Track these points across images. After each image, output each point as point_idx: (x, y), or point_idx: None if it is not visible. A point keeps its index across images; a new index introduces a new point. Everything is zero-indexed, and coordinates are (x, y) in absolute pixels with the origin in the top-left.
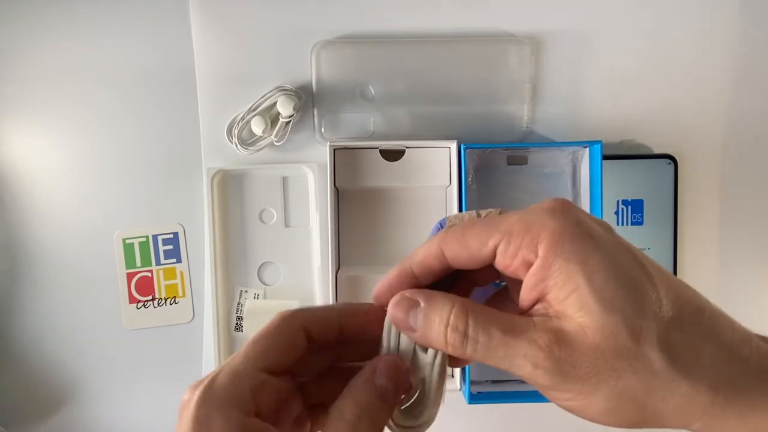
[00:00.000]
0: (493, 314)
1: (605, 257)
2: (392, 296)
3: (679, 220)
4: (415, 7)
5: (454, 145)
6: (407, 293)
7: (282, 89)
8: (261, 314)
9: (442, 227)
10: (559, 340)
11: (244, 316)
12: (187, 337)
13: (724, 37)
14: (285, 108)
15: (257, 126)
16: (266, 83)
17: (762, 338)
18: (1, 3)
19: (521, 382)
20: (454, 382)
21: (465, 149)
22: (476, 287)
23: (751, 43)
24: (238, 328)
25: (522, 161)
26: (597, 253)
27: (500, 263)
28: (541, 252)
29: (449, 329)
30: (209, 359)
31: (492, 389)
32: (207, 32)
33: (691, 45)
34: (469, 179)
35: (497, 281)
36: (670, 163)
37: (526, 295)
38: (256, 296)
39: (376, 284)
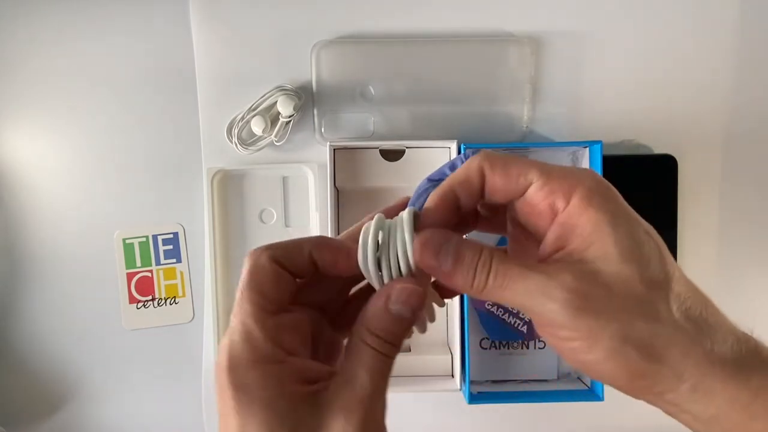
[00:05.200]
0: (514, 256)
1: (630, 219)
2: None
3: (679, 220)
4: (415, 7)
5: (454, 145)
6: (438, 233)
7: (282, 89)
8: None
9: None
10: (576, 277)
11: None
12: (187, 337)
13: (724, 37)
14: (285, 108)
15: (257, 126)
16: (266, 83)
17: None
18: (2, 4)
19: (521, 382)
20: (454, 382)
21: (465, 149)
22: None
23: (751, 43)
24: None
25: None
26: (624, 214)
27: (530, 199)
28: (574, 201)
29: (478, 268)
30: (209, 359)
31: (492, 389)
32: (207, 32)
33: (690, 45)
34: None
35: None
36: (670, 163)
37: (549, 244)
38: None
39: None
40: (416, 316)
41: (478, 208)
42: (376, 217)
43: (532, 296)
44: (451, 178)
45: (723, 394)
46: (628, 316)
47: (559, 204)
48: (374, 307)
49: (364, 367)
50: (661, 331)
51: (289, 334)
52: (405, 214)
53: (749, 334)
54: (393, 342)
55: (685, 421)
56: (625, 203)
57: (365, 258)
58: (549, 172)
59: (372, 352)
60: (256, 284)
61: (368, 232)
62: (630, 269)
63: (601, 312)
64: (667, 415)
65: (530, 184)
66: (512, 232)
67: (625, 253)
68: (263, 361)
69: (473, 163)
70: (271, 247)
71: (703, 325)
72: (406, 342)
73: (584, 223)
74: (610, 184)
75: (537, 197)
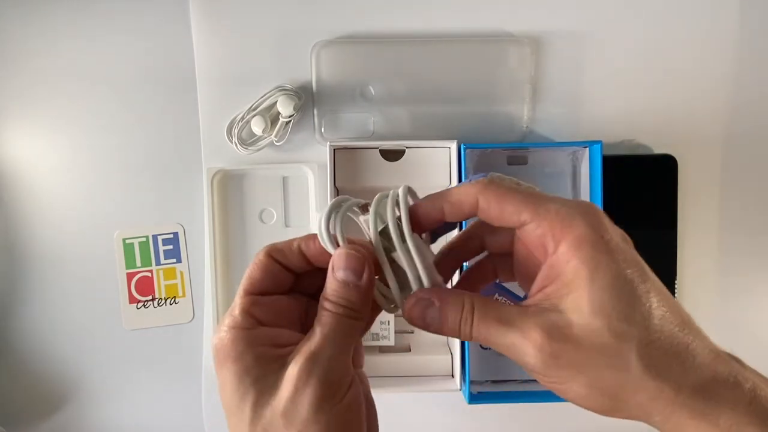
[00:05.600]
0: (495, 306)
1: (613, 269)
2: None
3: (679, 220)
4: (415, 7)
5: (454, 145)
6: (422, 294)
7: (282, 89)
8: None
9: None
10: (548, 332)
11: None
12: (187, 337)
13: (724, 37)
14: (285, 108)
15: (257, 126)
16: (266, 83)
17: (731, 356)
18: (2, 3)
19: (521, 382)
20: (454, 382)
21: (465, 149)
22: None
23: (751, 43)
24: None
25: (522, 161)
26: (607, 264)
27: (524, 236)
28: (562, 248)
29: (462, 324)
30: (209, 359)
31: (492, 389)
32: (207, 32)
33: (690, 45)
34: (469, 179)
35: (497, 281)
36: (670, 163)
37: (539, 282)
38: None
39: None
40: (361, 278)
41: (485, 238)
42: (337, 197)
43: (510, 349)
44: (445, 196)
45: (692, 423)
46: (595, 368)
47: (550, 248)
48: (327, 275)
49: (320, 326)
50: (628, 379)
51: (263, 309)
52: (401, 190)
53: (731, 365)
54: (346, 305)
55: None
56: (616, 246)
57: (320, 230)
58: (542, 214)
59: (327, 313)
60: (250, 273)
61: (325, 209)
62: (599, 322)
63: (571, 364)
64: None
65: (524, 223)
66: (516, 252)
67: (595, 307)
68: (235, 326)
69: (470, 193)
70: (270, 245)
71: (678, 367)
72: (406, 341)
73: (567, 272)
74: (603, 225)
75: (531, 237)
